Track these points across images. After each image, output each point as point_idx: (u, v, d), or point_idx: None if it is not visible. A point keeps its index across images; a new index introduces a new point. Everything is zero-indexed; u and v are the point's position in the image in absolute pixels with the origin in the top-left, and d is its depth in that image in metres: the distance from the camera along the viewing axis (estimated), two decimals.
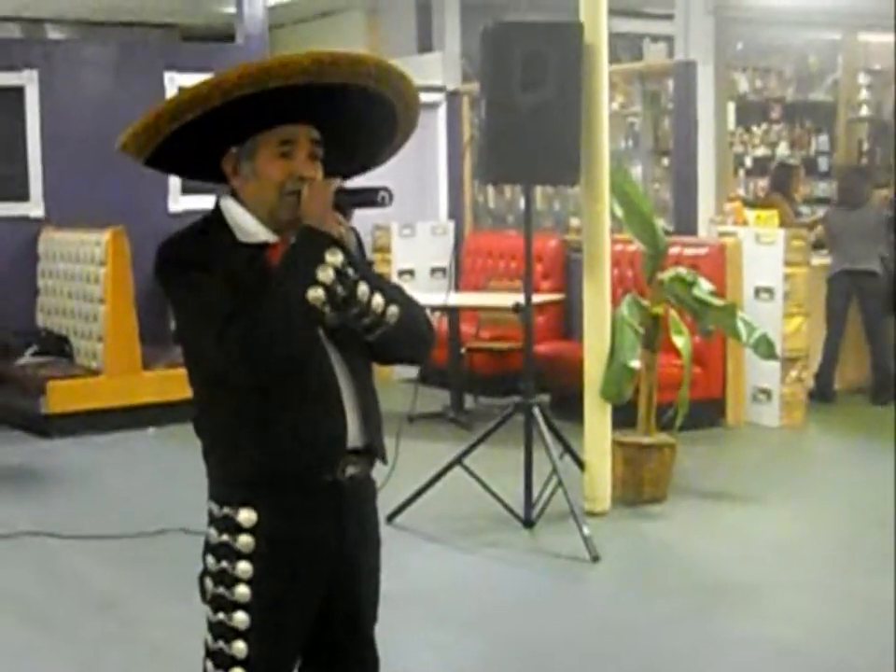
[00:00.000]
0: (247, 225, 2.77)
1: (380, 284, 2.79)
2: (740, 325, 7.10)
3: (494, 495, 6.59)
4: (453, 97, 11.59)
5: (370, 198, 2.76)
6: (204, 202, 2.88)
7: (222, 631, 2.79)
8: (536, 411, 6.58)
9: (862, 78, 11.98)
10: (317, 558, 2.82)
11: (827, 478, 7.76)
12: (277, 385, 2.71)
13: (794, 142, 11.91)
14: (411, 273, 11.03)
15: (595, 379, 6.77)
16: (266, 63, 2.65)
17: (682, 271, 7.27)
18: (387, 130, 2.94)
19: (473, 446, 6.67)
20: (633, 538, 6.58)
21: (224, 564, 2.78)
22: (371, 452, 2.89)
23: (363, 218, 3.05)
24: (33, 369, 9.27)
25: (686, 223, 9.69)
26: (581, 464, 6.81)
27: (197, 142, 2.75)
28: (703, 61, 9.70)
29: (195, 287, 2.69)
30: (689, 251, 8.91)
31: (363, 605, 2.96)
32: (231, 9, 11.72)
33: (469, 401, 9.53)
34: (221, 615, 2.79)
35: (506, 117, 6.46)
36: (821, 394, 9.59)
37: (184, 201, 9.97)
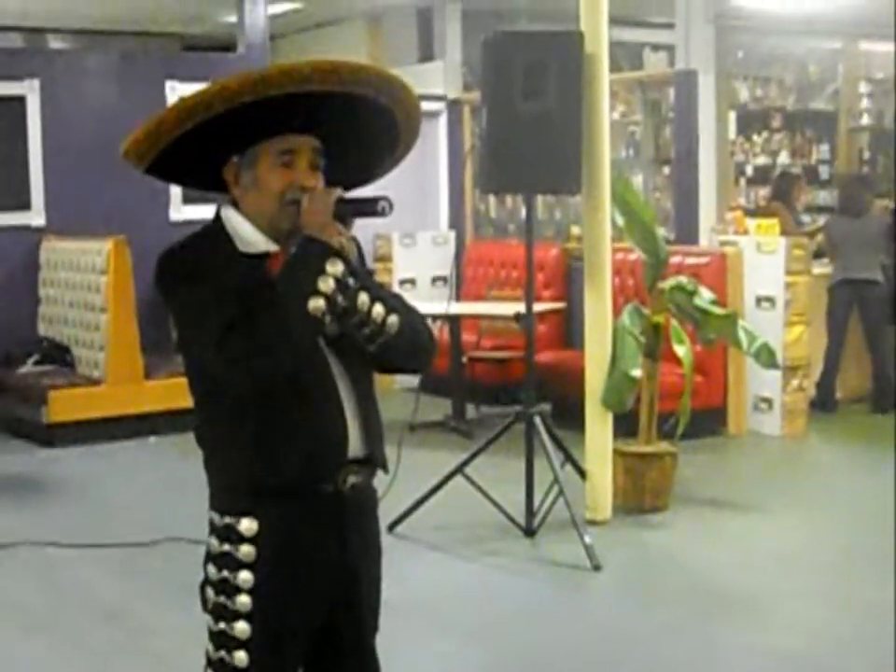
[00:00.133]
0: (248, 234, 2.77)
1: (380, 293, 2.79)
2: (741, 334, 7.08)
3: (495, 504, 6.58)
4: (454, 106, 11.60)
5: (370, 208, 2.75)
6: (206, 211, 2.87)
7: (223, 641, 2.79)
8: (537, 420, 6.58)
9: (863, 87, 12.00)
10: (319, 568, 2.81)
11: (828, 486, 7.75)
12: (278, 395, 2.71)
13: (795, 151, 11.92)
14: (412, 282, 11.04)
15: (597, 388, 6.77)
16: (267, 71, 2.65)
17: (683, 279, 7.26)
18: (388, 140, 2.93)
19: (475, 455, 6.68)
20: (634, 546, 6.57)
21: (225, 573, 2.78)
22: (373, 461, 2.89)
23: (364, 228, 3.05)
24: (34, 378, 9.26)
25: (687, 232, 9.69)
26: (582, 473, 6.80)
27: (198, 150, 2.74)
28: (704, 70, 9.71)
29: (195, 296, 2.68)
30: (690, 260, 8.90)
31: (364, 614, 2.95)
32: (233, 19, 11.73)
33: (470, 410, 9.53)
34: (222, 624, 2.78)
35: (507, 126, 6.47)
36: (822, 403, 9.58)
37: (185, 210, 9.98)
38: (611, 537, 6.58)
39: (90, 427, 8.94)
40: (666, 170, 10.30)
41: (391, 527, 6.44)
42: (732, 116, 10.80)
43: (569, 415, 7.82)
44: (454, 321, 9.24)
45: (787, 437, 8.91)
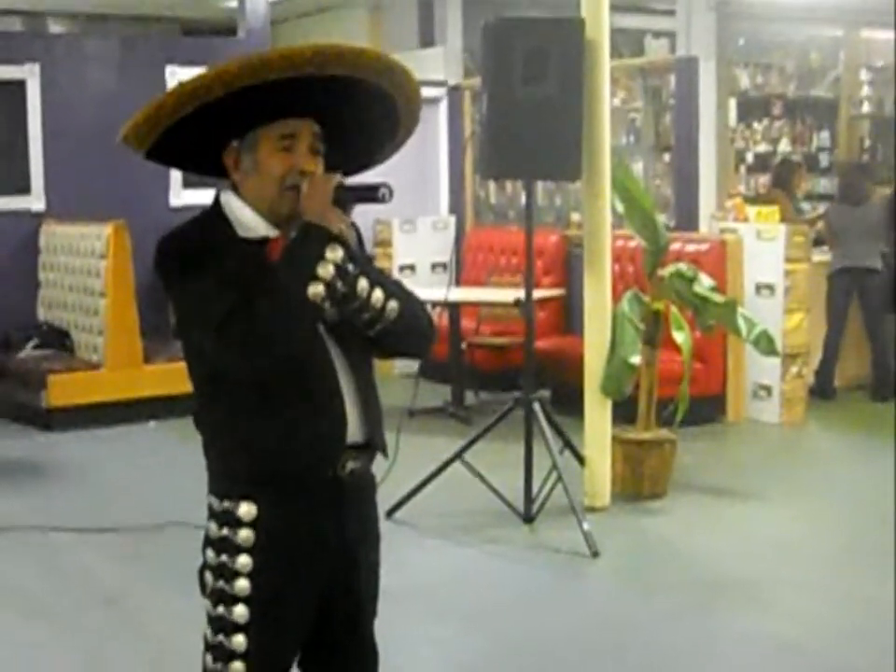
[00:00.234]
0: (247, 219, 2.76)
1: (380, 279, 2.78)
2: (741, 321, 7.09)
3: (494, 490, 6.58)
4: (454, 92, 11.57)
5: (370, 194, 2.75)
6: (206, 196, 2.87)
7: (222, 625, 2.79)
8: (536, 406, 6.57)
9: (864, 75, 11.96)
10: (317, 552, 2.81)
11: (827, 474, 7.74)
12: (277, 381, 2.71)
13: (796, 138, 11.88)
14: (412, 268, 11.02)
15: (596, 374, 6.77)
16: (267, 55, 2.63)
17: (683, 267, 7.25)
18: (389, 125, 2.92)
19: (473, 441, 6.69)
20: (633, 533, 6.57)
21: (224, 558, 2.78)
22: (372, 447, 2.89)
23: (364, 213, 3.05)
24: (33, 362, 9.25)
25: (687, 219, 9.68)
26: (581, 459, 6.80)
27: (198, 135, 2.74)
28: (704, 56, 9.69)
29: (195, 281, 2.68)
30: (690, 247, 8.90)
31: (363, 600, 2.96)
32: (233, 3, 11.72)
33: (469, 396, 9.53)
34: (221, 609, 2.79)
35: (507, 112, 6.46)
36: (822, 390, 9.58)
37: (185, 195, 9.98)
38: (610, 523, 6.58)
39: (89, 412, 8.94)
40: (667, 157, 10.26)
41: (390, 513, 6.43)
42: (732, 103, 10.76)
43: (568, 402, 7.83)
44: (453, 307, 9.23)
45: (786, 424, 8.90)
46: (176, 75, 9.93)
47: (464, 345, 9.54)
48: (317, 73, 2.65)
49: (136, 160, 2.86)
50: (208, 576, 2.83)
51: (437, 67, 11.58)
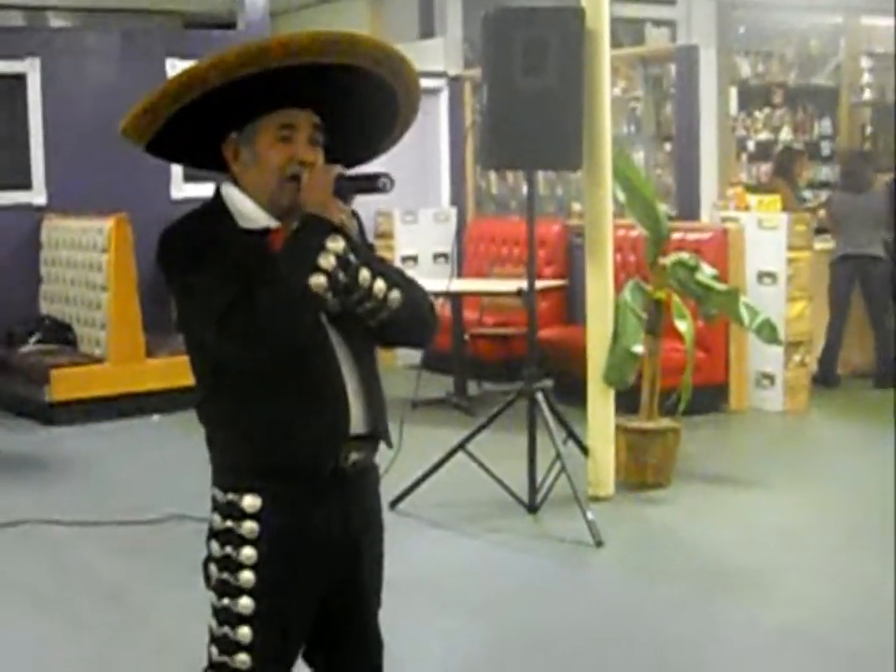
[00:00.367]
0: (248, 211, 2.76)
1: (381, 269, 2.78)
2: (743, 310, 7.09)
3: (497, 480, 6.59)
4: (454, 83, 11.55)
5: (370, 184, 2.75)
6: (207, 189, 2.87)
7: (227, 616, 2.79)
8: (539, 396, 6.57)
9: (865, 62, 11.93)
10: (321, 544, 2.81)
11: (831, 462, 7.74)
12: (279, 372, 2.70)
13: (797, 126, 11.86)
14: (414, 259, 11.03)
15: (599, 364, 6.77)
16: (265, 42, 2.62)
17: (685, 256, 7.25)
18: (388, 115, 2.92)
19: (477, 432, 6.68)
20: (636, 523, 6.57)
21: (228, 550, 2.78)
22: (375, 438, 2.89)
23: (365, 204, 3.05)
24: (36, 357, 9.25)
25: (688, 208, 9.67)
26: (584, 449, 6.80)
27: (197, 127, 2.74)
28: (705, 45, 9.68)
29: (197, 274, 2.67)
30: (691, 236, 8.90)
31: (367, 591, 2.96)
32: None
33: (472, 387, 9.52)
34: (226, 601, 2.79)
35: (508, 102, 6.46)
36: (825, 378, 9.58)
37: (186, 188, 9.97)
38: (614, 513, 6.58)
39: (92, 406, 8.95)
40: (668, 146, 10.22)
41: (393, 504, 6.43)
42: (733, 91, 10.73)
43: (571, 392, 7.81)
44: (455, 298, 9.23)
45: (789, 413, 8.90)
46: (177, 67, 9.83)
47: (466, 336, 9.53)
48: (315, 61, 2.63)
49: (137, 153, 2.85)
50: (213, 568, 2.82)
51: (437, 58, 11.56)
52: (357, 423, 2.81)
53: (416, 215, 11.21)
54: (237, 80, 2.61)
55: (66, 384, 8.93)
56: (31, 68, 9.93)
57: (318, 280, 2.61)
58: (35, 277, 10.05)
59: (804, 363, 8.99)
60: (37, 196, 10.02)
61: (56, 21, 14.06)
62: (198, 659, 2.93)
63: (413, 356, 9.42)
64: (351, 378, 2.80)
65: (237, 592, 2.77)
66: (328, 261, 2.62)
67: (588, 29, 6.51)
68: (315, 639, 2.94)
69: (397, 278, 2.81)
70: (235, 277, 2.63)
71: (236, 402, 2.75)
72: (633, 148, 10.02)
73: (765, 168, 11.34)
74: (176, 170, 10.03)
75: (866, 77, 11.94)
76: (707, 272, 7.12)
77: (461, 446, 6.61)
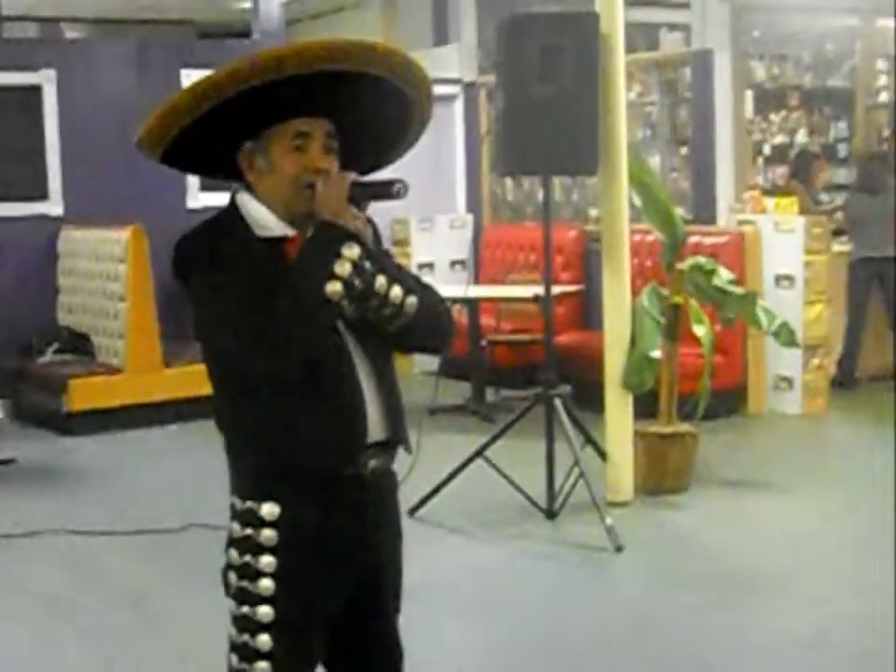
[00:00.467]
0: (264, 219, 2.76)
1: (398, 275, 2.77)
2: (760, 313, 7.10)
3: (516, 486, 6.59)
4: (469, 89, 11.55)
5: (385, 190, 2.75)
6: (223, 198, 2.85)
7: (246, 624, 2.78)
8: (557, 402, 6.57)
9: (881, 64, 11.83)
10: (340, 551, 2.81)
11: (850, 465, 7.72)
12: (297, 380, 2.69)
13: (813, 129, 11.81)
14: (430, 266, 11.01)
15: (616, 369, 6.77)
16: (278, 52, 2.63)
17: (702, 260, 7.25)
18: (402, 121, 2.92)
19: (495, 438, 6.68)
20: (655, 527, 6.57)
21: (247, 557, 2.78)
22: (393, 444, 2.89)
23: (381, 213, 3.06)
24: (54, 367, 9.29)
25: (705, 212, 9.65)
26: (602, 454, 6.80)
27: (212, 137, 2.73)
28: (720, 49, 9.65)
29: (213, 282, 2.68)
30: (708, 240, 8.88)
31: (386, 597, 2.96)
32: (247, 5, 11.74)
33: (490, 393, 9.53)
34: (245, 609, 2.78)
35: (523, 108, 6.47)
36: (843, 381, 9.55)
37: (202, 198, 9.96)
38: (633, 518, 6.59)
39: (110, 416, 8.97)
40: (684, 150, 10.24)
41: (412, 511, 6.43)
42: (749, 95, 10.68)
43: (589, 397, 7.79)
44: (472, 304, 9.25)
45: (807, 416, 8.89)
46: (192, 77, 9.66)
47: (484, 342, 9.53)
48: (329, 69, 2.64)
49: (153, 163, 2.85)
50: (232, 576, 2.82)
51: (452, 65, 11.55)
52: (375, 430, 2.81)
53: (432, 222, 11.21)
54: (251, 90, 2.61)
55: (84, 393, 8.95)
56: (46, 80, 9.97)
57: (334, 287, 2.61)
58: (52, 288, 10.08)
59: (822, 366, 8.97)
60: (54, 207, 10.06)
61: (71, 33, 14.11)
62: (218, 666, 2.92)
63: (430, 362, 9.44)
64: (369, 385, 2.80)
65: (257, 599, 2.77)
66: (343, 268, 2.62)
67: (603, 34, 6.52)
68: (335, 646, 2.92)
69: (413, 284, 2.79)
70: (251, 285, 2.64)
71: (254, 410, 2.75)
72: (648, 153, 9.99)
73: (782, 171, 11.28)
74: (192, 179, 10.03)
75: (882, 79, 11.85)
76: (724, 275, 7.12)
77: (479, 453, 6.61)
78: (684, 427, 7.21)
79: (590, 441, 6.76)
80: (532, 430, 6.80)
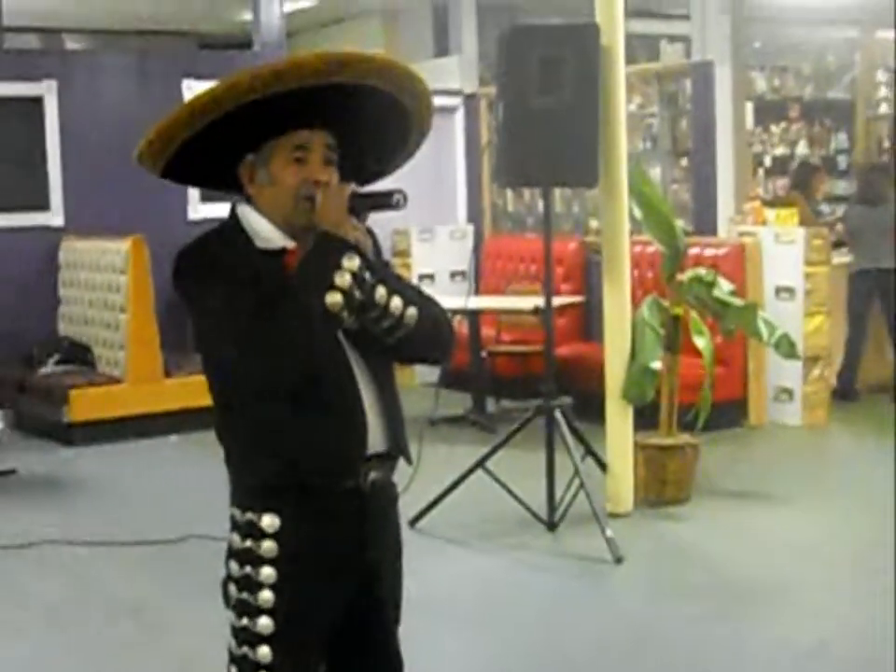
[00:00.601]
0: (264, 231, 2.77)
1: (398, 286, 2.77)
2: (761, 324, 7.08)
3: (516, 498, 6.58)
4: (470, 100, 11.55)
5: (385, 201, 2.75)
6: (224, 210, 2.87)
7: (246, 637, 2.78)
8: (557, 413, 6.56)
9: (881, 76, 11.89)
10: (340, 563, 2.81)
11: (850, 478, 7.69)
12: (297, 391, 2.69)
13: (813, 141, 11.84)
14: (430, 277, 11.01)
15: (617, 381, 6.76)
16: (277, 65, 2.64)
17: (702, 271, 7.24)
18: (401, 132, 2.93)
19: (495, 449, 6.67)
20: (656, 539, 6.56)
21: (247, 569, 2.78)
22: (394, 456, 2.89)
23: (381, 223, 3.06)
24: (55, 377, 9.28)
25: (705, 223, 9.65)
26: (603, 466, 6.79)
27: (212, 151, 2.74)
28: (720, 61, 9.66)
29: (213, 293, 2.68)
30: (708, 251, 8.88)
31: (386, 609, 2.96)
32: (248, 16, 11.73)
33: (490, 404, 9.54)
34: (245, 621, 2.78)
35: (523, 119, 6.47)
36: (844, 393, 9.53)
37: (203, 209, 10.00)
38: (633, 529, 6.57)
39: (111, 426, 8.96)
40: (684, 161, 10.24)
41: (412, 522, 6.43)
42: (749, 106, 10.71)
43: (590, 408, 7.79)
44: (473, 315, 9.23)
45: (808, 427, 8.88)
46: (193, 89, 9.87)
47: (484, 353, 9.53)
48: (328, 81, 2.65)
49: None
50: (232, 588, 2.81)
51: (452, 76, 11.55)
52: (376, 441, 2.81)
53: (433, 233, 11.20)
54: (250, 103, 2.62)
55: (85, 404, 8.95)
56: (47, 91, 9.97)
57: (334, 298, 2.61)
58: (53, 299, 10.07)
59: (822, 378, 8.96)
60: (55, 218, 10.06)
61: (72, 44, 14.10)
62: None
63: (430, 373, 9.42)
64: (369, 396, 2.80)
65: (256, 612, 2.76)
66: (343, 280, 2.61)
67: (603, 45, 6.51)
68: (335, 658, 2.92)
69: (413, 295, 2.80)
70: (252, 297, 2.63)
71: (254, 422, 2.74)
72: (649, 164, 9.93)
73: (782, 182, 11.31)
74: (193, 191, 10.02)
75: (882, 91, 11.90)
76: (724, 287, 7.11)
77: (480, 464, 6.60)
78: (684, 438, 7.19)
79: (590, 452, 6.74)
80: (532, 441, 6.79)
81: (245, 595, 2.78)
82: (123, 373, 9.17)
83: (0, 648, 5.32)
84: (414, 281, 10.24)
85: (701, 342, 7.01)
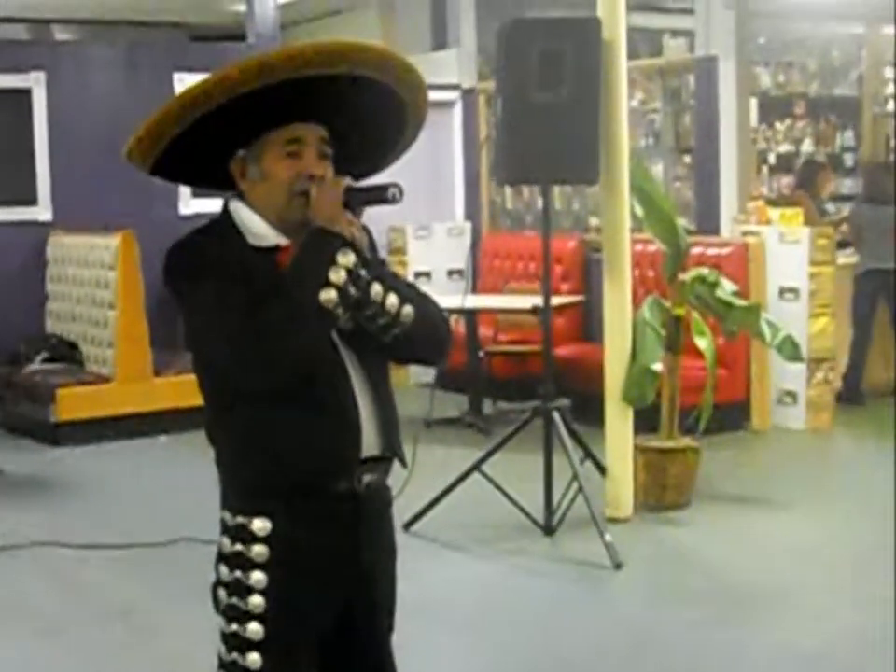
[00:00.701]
0: (257, 228, 2.75)
1: (394, 283, 2.77)
2: (764, 326, 7.08)
3: (513, 501, 6.55)
4: (468, 95, 11.56)
5: (380, 195, 2.73)
6: (215, 205, 2.86)
7: (236, 642, 2.77)
8: (556, 415, 6.56)
9: (888, 72, 11.84)
10: (333, 567, 2.80)
11: (854, 482, 7.67)
12: (290, 392, 2.68)
13: (819, 138, 11.81)
14: (427, 275, 10.99)
15: (617, 382, 6.75)
16: (268, 57, 2.62)
17: (704, 271, 7.23)
18: (396, 124, 2.91)
19: (492, 452, 6.66)
20: (656, 544, 6.55)
21: (238, 574, 2.76)
22: (388, 459, 2.87)
23: (378, 221, 2.99)
24: (42, 376, 9.25)
25: (708, 222, 9.63)
26: (602, 469, 6.78)
27: (203, 147, 2.73)
28: (724, 56, 9.63)
29: (205, 291, 2.66)
30: (711, 251, 8.87)
31: (380, 614, 2.94)
32: (242, 8, 11.76)
33: (487, 406, 9.51)
34: (235, 626, 2.76)
35: (523, 115, 6.46)
36: (849, 396, 9.49)
37: (194, 204, 9.97)
38: (632, 534, 6.55)
39: (99, 426, 8.93)
40: (687, 158, 10.24)
41: (407, 526, 6.42)
42: (753, 103, 10.68)
43: (589, 410, 7.78)
44: (470, 315, 9.21)
45: (812, 431, 8.85)
46: (185, 81, 9.83)
47: (481, 354, 9.49)
48: (320, 73, 2.63)
49: None
50: (221, 592, 2.79)
51: (450, 70, 11.54)
52: (371, 444, 2.79)
53: (430, 230, 11.19)
54: (242, 97, 2.61)
55: (72, 403, 8.91)
56: (36, 82, 9.95)
57: (329, 295, 2.60)
58: (40, 295, 10.05)
59: (827, 380, 8.92)
60: (43, 212, 10.04)
61: (61, 35, 14.22)
62: None
63: (426, 374, 9.45)
64: (364, 398, 2.79)
65: (246, 617, 2.75)
66: (338, 276, 2.61)
67: (605, 40, 6.50)
68: (327, 664, 2.89)
69: (409, 293, 2.80)
70: (244, 294, 2.63)
71: (246, 423, 2.73)
72: (651, 161, 9.99)
73: (787, 181, 11.31)
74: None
75: (890, 88, 11.85)
76: (727, 287, 7.11)
77: (476, 467, 6.59)
78: (685, 441, 7.17)
79: (589, 455, 6.73)
80: (530, 444, 6.77)
81: (234, 600, 2.77)
82: (112, 372, 9.14)
83: None
84: (410, 279, 10.19)
85: (703, 343, 7.02)
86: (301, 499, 2.73)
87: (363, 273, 2.66)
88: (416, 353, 2.98)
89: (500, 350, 9.76)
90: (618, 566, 6.01)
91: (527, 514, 6.54)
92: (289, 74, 2.60)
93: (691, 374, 7.43)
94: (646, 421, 7.13)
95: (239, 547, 2.75)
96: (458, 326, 9.00)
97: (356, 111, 2.79)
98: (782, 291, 8.85)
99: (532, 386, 7.33)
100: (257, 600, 2.73)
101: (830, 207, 10.90)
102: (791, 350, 7.10)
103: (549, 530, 6.53)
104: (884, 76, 11.83)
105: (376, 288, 2.69)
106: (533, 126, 6.41)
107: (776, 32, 11.30)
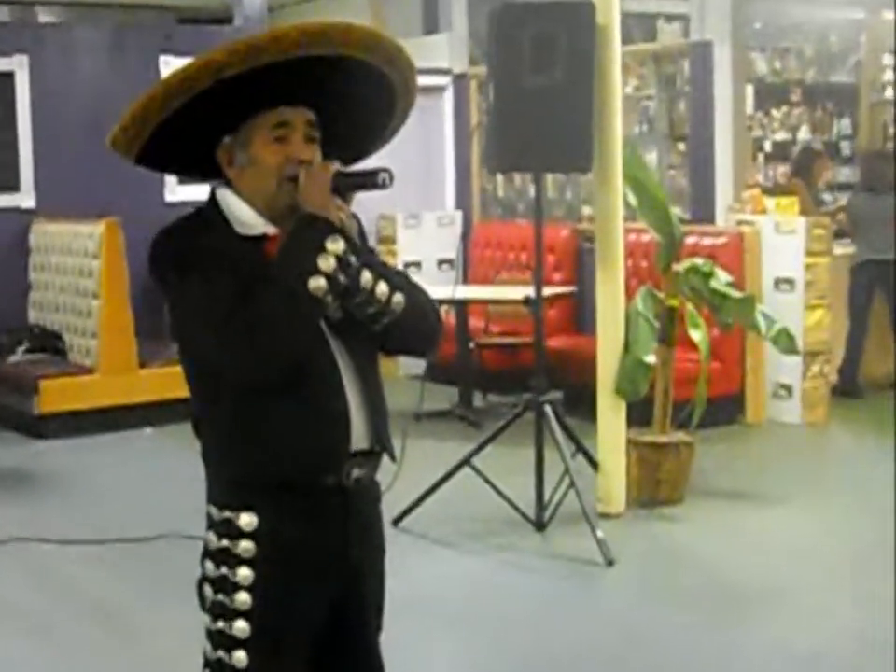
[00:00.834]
0: (245, 216, 2.73)
1: (384, 271, 2.75)
2: (759, 318, 7.06)
3: (504, 496, 6.52)
4: (459, 80, 11.51)
5: (370, 180, 2.71)
6: (202, 192, 2.83)
7: (222, 640, 2.75)
8: (547, 408, 6.53)
9: (886, 59, 11.85)
10: (321, 563, 2.78)
11: (850, 477, 7.67)
12: (279, 384, 2.66)
13: (815, 125, 11.84)
14: (417, 265, 10.94)
15: (609, 375, 6.74)
16: (254, 39, 2.59)
17: (699, 261, 7.20)
18: (385, 106, 2.87)
19: (482, 445, 6.66)
20: (648, 540, 6.53)
21: (224, 570, 2.74)
22: (377, 453, 2.85)
23: (367, 209, 2.92)
24: (24, 367, 9.19)
25: (703, 211, 9.62)
26: (594, 464, 6.75)
27: (189, 134, 2.71)
28: (720, 41, 9.62)
29: (192, 281, 2.64)
30: (706, 241, 8.83)
31: (368, 611, 2.93)
32: None
33: (477, 398, 9.49)
34: (221, 623, 2.74)
35: (515, 101, 6.45)
36: (845, 389, 9.46)
37: (181, 191, 9.87)
38: (625, 530, 6.54)
39: (82, 418, 8.86)
40: (681, 146, 10.26)
41: (396, 521, 6.39)
42: (749, 89, 10.74)
43: (581, 404, 7.78)
44: (460, 306, 9.18)
45: (807, 425, 8.82)
46: (171, 65, 9.83)
47: (472, 345, 9.46)
48: (307, 54, 2.60)
49: None
50: (207, 589, 2.78)
51: (441, 55, 11.50)
52: (360, 438, 2.77)
53: (419, 218, 11.14)
54: (227, 81, 2.58)
55: (55, 395, 8.85)
56: (19, 66, 9.87)
57: (318, 283, 2.58)
58: (23, 284, 9.98)
59: (823, 373, 8.89)
60: (25, 199, 9.97)
61: (45, 17, 14.20)
62: None
63: (416, 366, 9.42)
64: (353, 391, 2.76)
65: (232, 614, 2.73)
66: (327, 263, 2.59)
67: (598, 24, 6.47)
68: (315, 662, 2.86)
69: (400, 281, 2.78)
70: (232, 284, 2.61)
71: (233, 415, 2.71)
72: (645, 149, 9.96)
73: (783, 169, 11.36)
74: None
75: (888, 75, 11.86)
76: (721, 278, 7.09)
77: (466, 461, 6.58)
78: (679, 435, 7.15)
79: (581, 449, 6.70)
80: (521, 438, 6.74)
81: (220, 597, 2.75)
82: (96, 363, 9.08)
83: None
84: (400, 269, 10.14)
85: (697, 335, 7.03)
86: (288, 494, 2.71)
87: (353, 259, 2.63)
88: (407, 343, 2.94)
89: (491, 342, 9.74)
90: (610, 562, 5.98)
91: (518, 509, 6.51)
92: (275, 56, 2.56)
93: (684, 367, 7.42)
94: (639, 414, 7.12)
95: (225, 542, 2.72)
96: (449, 317, 9.00)
97: (343, 94, 2.76)
98: (778, 282, 8.81)
99: (523, 379, 7.32)
100: (243, 597, 2.70)
101: (826, 196, 10.98)
102: (786, 342, 7.08)
103: (540, 526, 6.50)
104: (882, 62, 11.84)
105: (366, 276, 2.66)
106: (525, 112, 6.38)
107: (772, 16, 11.30)
